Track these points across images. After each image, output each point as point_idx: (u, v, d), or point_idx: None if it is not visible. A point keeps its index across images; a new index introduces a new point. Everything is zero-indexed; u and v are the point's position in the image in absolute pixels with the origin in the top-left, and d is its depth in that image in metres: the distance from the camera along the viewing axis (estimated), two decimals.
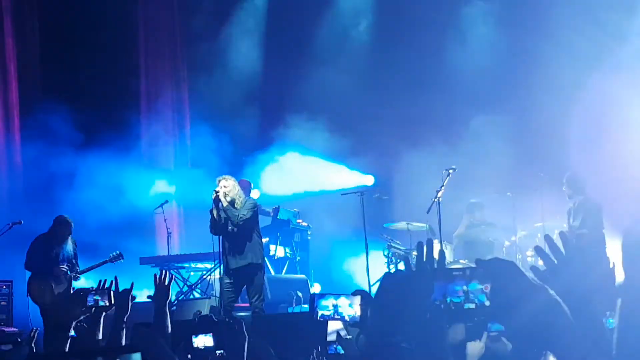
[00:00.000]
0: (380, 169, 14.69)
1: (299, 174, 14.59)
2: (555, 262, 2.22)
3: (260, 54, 15.72)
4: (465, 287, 2.26)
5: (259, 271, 9.20)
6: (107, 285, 4.24)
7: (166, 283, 4.45)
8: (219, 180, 9.31)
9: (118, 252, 10.52)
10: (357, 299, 3.60)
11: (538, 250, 2.29)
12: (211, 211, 9.28)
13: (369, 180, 14.59)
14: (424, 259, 2.27)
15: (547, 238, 2.28)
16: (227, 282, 9.22)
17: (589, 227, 9.73)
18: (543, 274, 2.23)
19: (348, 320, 3.68)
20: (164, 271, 4.57)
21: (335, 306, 3.71)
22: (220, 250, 9.31)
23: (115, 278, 4.36)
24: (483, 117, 13.82)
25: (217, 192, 9.14)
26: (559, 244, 2.27)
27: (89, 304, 4.10)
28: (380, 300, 2.33)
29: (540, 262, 2.34)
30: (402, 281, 2.32)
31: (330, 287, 12.25)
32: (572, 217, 10.12)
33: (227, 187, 9.22)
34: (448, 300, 2.29)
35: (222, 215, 9.18)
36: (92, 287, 4.21)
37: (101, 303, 4.12)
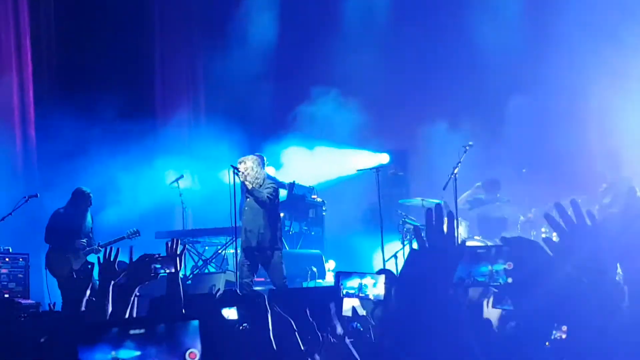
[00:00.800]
0: (396, 146, 14.62)
1: (318, 165, 14.55)
2: (566, 229, 2.20)
3: (278, 29, 15.57)
4: (490, 267, 2.27)
5: (278, 253, 9.36)
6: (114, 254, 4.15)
7: (178, 252, 4.37)
8: (239, 163, 9.40)
9: (135, 229, 10.54)
10: (382, 278, 3.60)
11: (547, 217, 2.25)
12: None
13: (384, 158, 14.55)
14: (434, 225, 2.21)
15: (557, 206, 2.26)
16: (246, 260, 9.31)
17: (619, 206, 9.69)
18: (555, 245, 2.22)
19: (373, 299, 3.68)
20: (175, 240, 4.46)
21: (361, 285, 3.71)
22: (242, 227, 9.41)
23: (131, 248, 4.33)
24: (503, 94, 13.73)
25: (239, 171, 9.25)
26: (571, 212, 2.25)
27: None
28: (404, 278, 2.33)
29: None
30: (426, 258, 2.32)
31: (345, 262, 12.27)
32: (605, 195, 10.12)
33: (246, 169, 9.31)
34: (472, 279, 2.30)
35: (248, 196, 9.35)
36: (158, 254, 4.17)
37: (161, 272, 4.11)
